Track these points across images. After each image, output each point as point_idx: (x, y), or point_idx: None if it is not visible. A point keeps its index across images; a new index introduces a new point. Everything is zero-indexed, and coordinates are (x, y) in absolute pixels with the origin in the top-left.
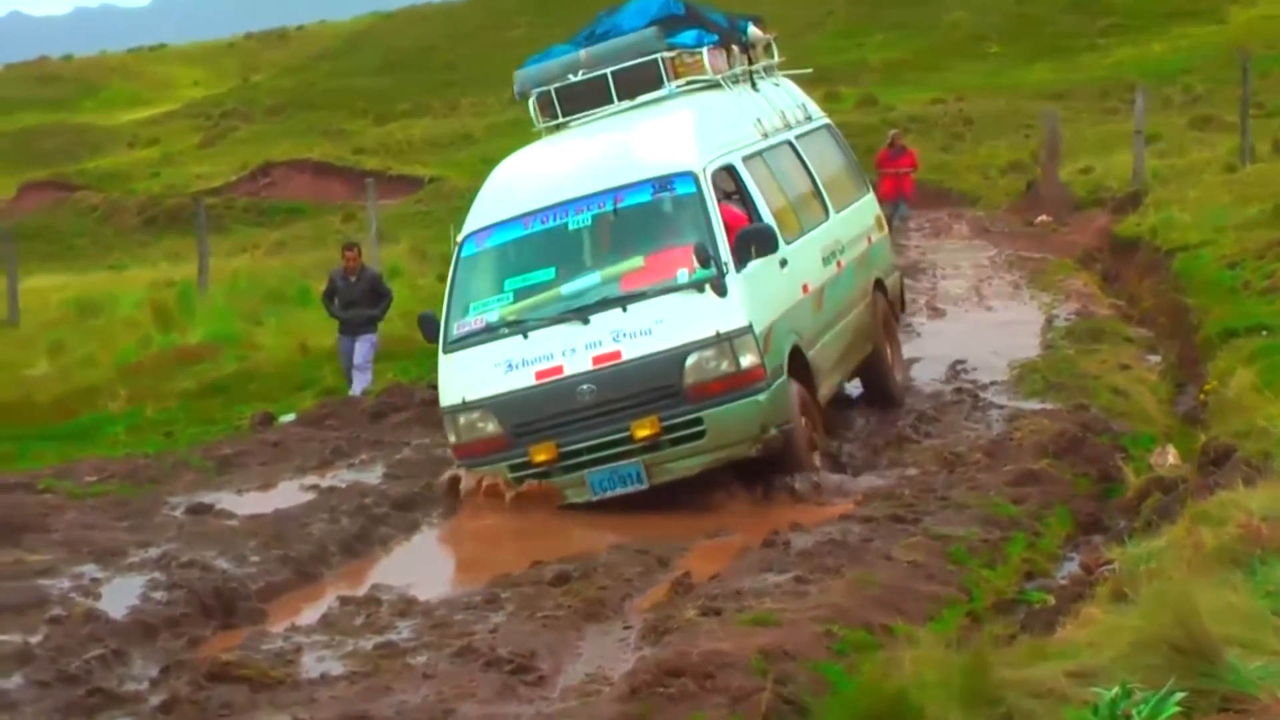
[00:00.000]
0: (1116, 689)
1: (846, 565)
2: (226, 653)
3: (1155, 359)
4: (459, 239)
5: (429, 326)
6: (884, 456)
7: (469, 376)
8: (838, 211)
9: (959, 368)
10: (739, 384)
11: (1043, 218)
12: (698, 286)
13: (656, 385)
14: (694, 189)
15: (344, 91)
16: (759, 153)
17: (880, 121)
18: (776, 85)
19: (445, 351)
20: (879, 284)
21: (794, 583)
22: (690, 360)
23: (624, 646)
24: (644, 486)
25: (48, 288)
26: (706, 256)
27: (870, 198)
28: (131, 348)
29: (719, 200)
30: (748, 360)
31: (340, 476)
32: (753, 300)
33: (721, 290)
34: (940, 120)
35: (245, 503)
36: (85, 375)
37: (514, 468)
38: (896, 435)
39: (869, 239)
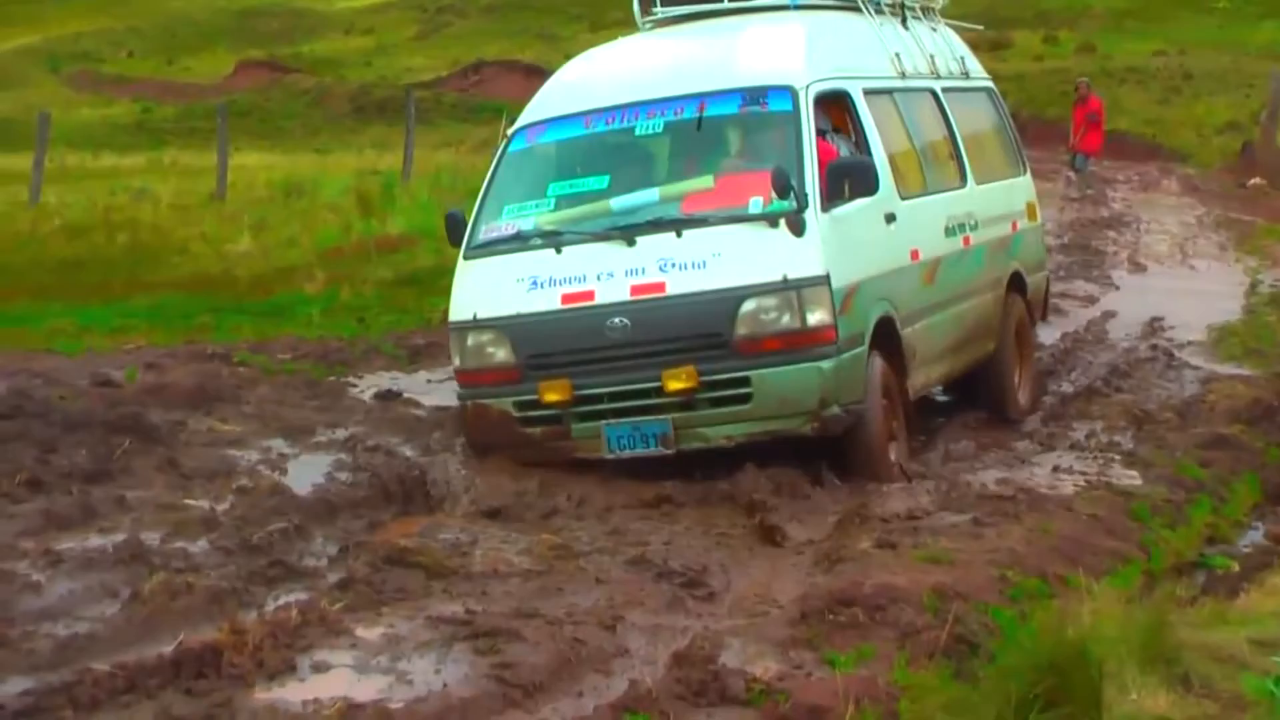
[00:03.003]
0: None
1: (1026, 512)
2: (405, 538)
3: None
4: (508, 132)
5: (455, 226)
6: (1071, 407)
7: (486, 290)
8: (979, 183)
9: (1156, 324)
10: (801, 344)
11: (1256, 180)
12: (771, 220)
13: (701, 331)
14: (789, 107)
15: None
16: (889, 91)
17: (1100, 70)
18: (934, 30)
19: (465, 258)
20: (1018, 279)
21: (971, 524)
22: (746, 307)
23: (796, 571)
24: (668, 451)
25: (255, 166)
26: (787, 184)
27: (1026, 181)
28: (332, 232)
29: (826, 134)
30: (816, 317)
31: None
32: (837, 248)
33: (799, 228)
34: (1159, 73)
35: (432, 393)
36: (285, 255)
37: (520, 405)
38: (1086, 387)
39: (1014, 224)
